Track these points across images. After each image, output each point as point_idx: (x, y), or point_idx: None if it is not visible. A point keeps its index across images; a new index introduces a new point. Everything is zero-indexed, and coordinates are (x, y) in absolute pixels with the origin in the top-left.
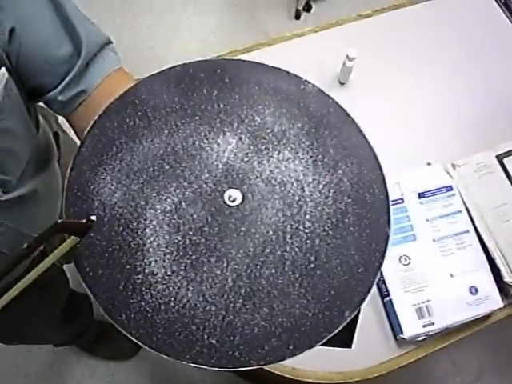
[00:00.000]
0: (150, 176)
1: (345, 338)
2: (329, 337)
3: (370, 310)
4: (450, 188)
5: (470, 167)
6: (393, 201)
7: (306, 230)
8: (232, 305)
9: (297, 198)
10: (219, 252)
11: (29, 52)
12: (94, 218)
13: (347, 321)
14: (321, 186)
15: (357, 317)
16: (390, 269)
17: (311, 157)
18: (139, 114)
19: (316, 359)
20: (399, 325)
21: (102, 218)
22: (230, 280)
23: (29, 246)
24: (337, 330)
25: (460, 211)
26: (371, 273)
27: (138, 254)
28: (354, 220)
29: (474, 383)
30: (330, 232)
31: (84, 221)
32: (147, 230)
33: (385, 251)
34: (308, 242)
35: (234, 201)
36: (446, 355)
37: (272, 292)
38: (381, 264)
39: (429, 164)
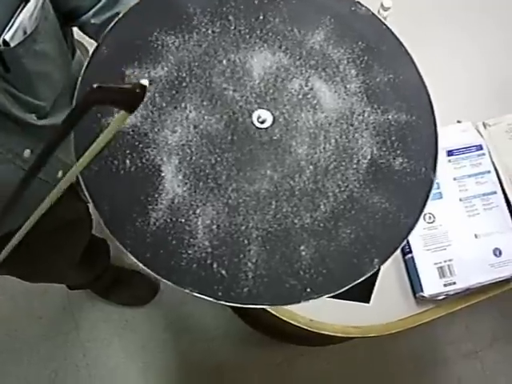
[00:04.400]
0: (172, 86)
1: (363, 294)
2: (352, 284)
3: (390, 267)
4: (479, 147)
5: (501, 127)
6: None
7: (342, 168)
8: (246, 240)
9: (340, 130)
10: (239, 180)
11: None
12: (145, 82)
13: (375, 269)
14: (366, 122)
15: (377, 273)
16: None
17: (359, 87)
18: (168, 15)
19: (334, 312)
20: (420, 283)
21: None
22: (249, 213)
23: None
24: (362, 278)
25: (489, 171)
26: (407, 223)
27: (152, 168)
28: (399, 165)
29: (486, 350)
30: (369, 176)
31: (130, 86)
32: (163, 146)
33: (427, 200)
34: (344, 182)
35: (263, 122)
36: (460, 320)
37: (294, 232)
38: (420, 214)
39: (459, 122)
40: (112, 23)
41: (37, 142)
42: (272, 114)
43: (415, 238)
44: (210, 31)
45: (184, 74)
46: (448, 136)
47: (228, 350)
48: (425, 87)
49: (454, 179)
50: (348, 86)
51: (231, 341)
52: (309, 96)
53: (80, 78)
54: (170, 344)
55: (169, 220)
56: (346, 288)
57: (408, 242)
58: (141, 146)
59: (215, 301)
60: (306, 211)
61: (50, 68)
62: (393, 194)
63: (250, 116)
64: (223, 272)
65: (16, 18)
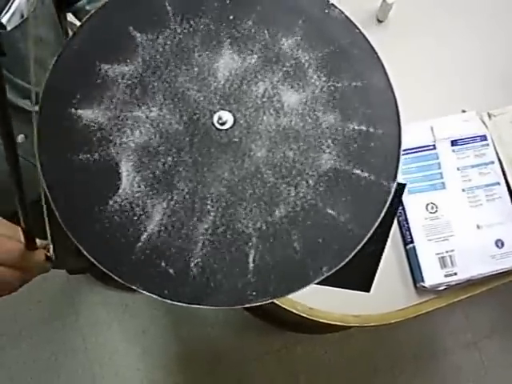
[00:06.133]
0: (136, 84)
1: (364, 283)
2: (298, 291)
3: (391, 256)
4: (484, 137)
5: (506, 118)
6: (425, 146)
7: (301, 174)
8: (196, 242)
9: (301, 136)
10: (195, 181)
11: None
12: None
13: (323, 277)
14: (329, 130)
15: (377, 262)
16: (416, 216)
17: (326, 94)
18: (140, 11)
19: (333, 301)
20: (421, 273)
21: (76, 121)
22: (202, 214)
23: None
24: (305, 288)
25: (492, 162)
26: (360, 234)
27: (109, 166)
28: (359, 175)
29: (486, 341)
30: (327, 184)
31: None
32: (122, 144)
33: (382, 212)
34: (302, 189)
35: (223, 124)
36: (459, 310)
37: (245, 236)
38: (374, 225)
39: (464, 111)
40: (89, 14)
41: (31, 128)
42: (233, 116)
43: (417, 228)
44: (179, 30)
45: (149, 72)
46: (452, 126)
47: (227, 336)
48: (393, 96)
49: (458, 169)
50: (315, 92)
51: (230, 327)
52: (273, 99)
53: (51, 67)
54: (169, 329)
55: (122, 218)
56: (292, 294)
57: (410, 231)
58: (100, 142)
59: (161, 299)
60: (260, 216)
61: (45, 53)
62: (350, 203)
63: (211, 117)
64: (171, 271)
65: (13, 1)
